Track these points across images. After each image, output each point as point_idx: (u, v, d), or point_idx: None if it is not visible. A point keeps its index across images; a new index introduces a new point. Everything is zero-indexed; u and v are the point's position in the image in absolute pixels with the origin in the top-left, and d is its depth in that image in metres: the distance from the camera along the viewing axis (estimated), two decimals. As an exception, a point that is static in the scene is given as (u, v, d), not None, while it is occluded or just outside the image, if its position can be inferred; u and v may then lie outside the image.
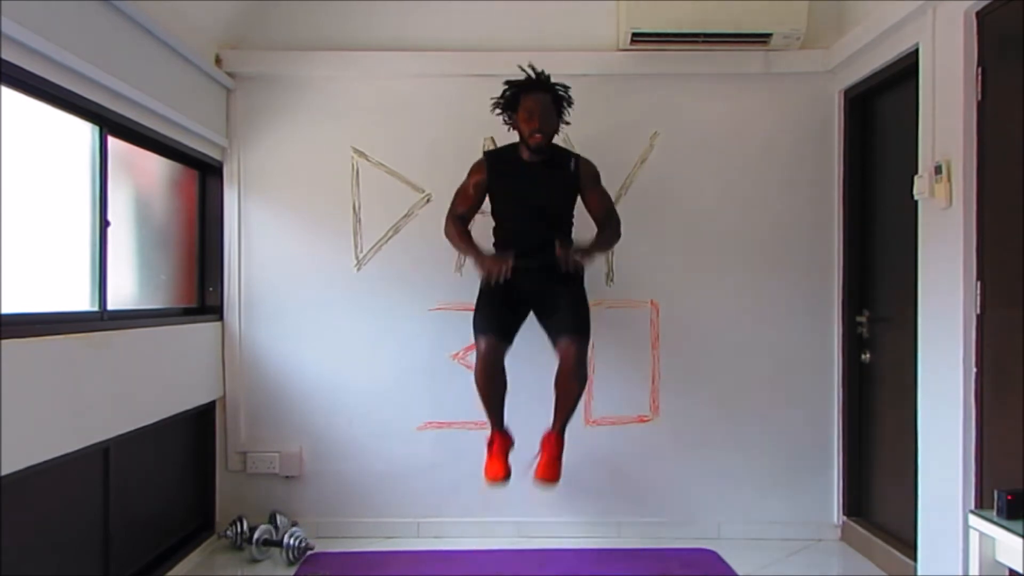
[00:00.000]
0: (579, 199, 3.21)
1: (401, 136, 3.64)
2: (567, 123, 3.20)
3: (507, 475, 3.06)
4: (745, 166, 3.64)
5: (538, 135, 3.02)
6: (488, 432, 3.16)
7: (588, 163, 3.19)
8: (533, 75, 3.09)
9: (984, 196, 2.55)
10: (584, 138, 3.56)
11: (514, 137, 3.18)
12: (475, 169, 3.19)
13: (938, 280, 2.74)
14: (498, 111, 3.16)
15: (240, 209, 3.63)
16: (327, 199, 3.64)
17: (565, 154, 3.18)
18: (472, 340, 3.49)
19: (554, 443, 3.06)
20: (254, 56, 3.59)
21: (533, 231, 3.10)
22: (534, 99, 3.04)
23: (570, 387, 3.02)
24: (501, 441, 3.12)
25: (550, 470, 3.03)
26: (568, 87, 3.15)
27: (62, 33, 2.30)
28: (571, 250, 2.99)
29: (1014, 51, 2.38)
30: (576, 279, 3.12)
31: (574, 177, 3.13)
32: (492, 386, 3.05)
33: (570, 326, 3.02)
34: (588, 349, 3.09)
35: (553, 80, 3.11)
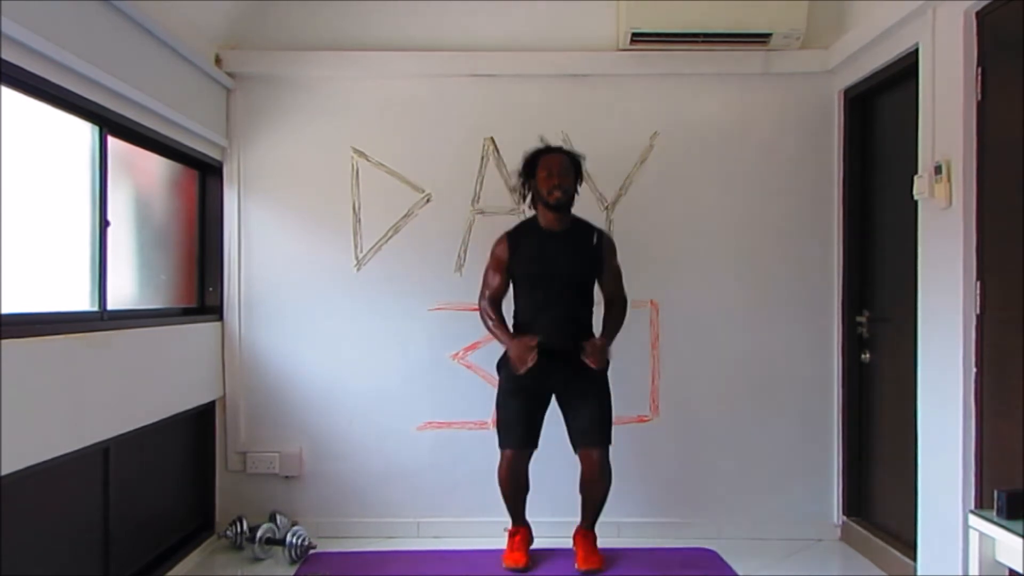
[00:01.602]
0: None
1: (401, 136, 3.64)
2: (578, 193, 3.19)
3: (527, 566, 3.17)
4: (745, 166, 3.64)
5: (557, 192, 3.05)
6: (509, 524, 3.28)
7: (610, 240, 3.24)
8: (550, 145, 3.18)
9: (984, 196, 2.55)
10: (584, 138, 3.56)
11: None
12: (496, 247, 3.19)
13: (938, 280, 2.74)
14: (519, 184, 3.21)
15: (240, 209, 3.63)
16: (327, 199, 3.64)
17: (587, 227, 3.20)
18: (470, 340, 3.52)
19: (588, 539, 3.21)
20: (254, 56, 3.59)
21: (557, 310, 3.08)
22: (552, 158, 3.11)
23: (596, 490, 3.15)
24: (523, 536, 3.26)
25: (590, 561, 3.15)
26: (583, 157, 3.20)
27: (62, 33, 2.30)
28: (599, 350, 3.02)
29: (1014, 51, 2.38)
30: (601, 369, 3.12)
31: (597, 249, 3.15)
32: (516, 490, 3.20)
33: (595, 437, 3.08)
34: (609, 451, 3.13)
35: (567, 148, 3.19)
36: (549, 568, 3.21)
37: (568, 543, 3.27)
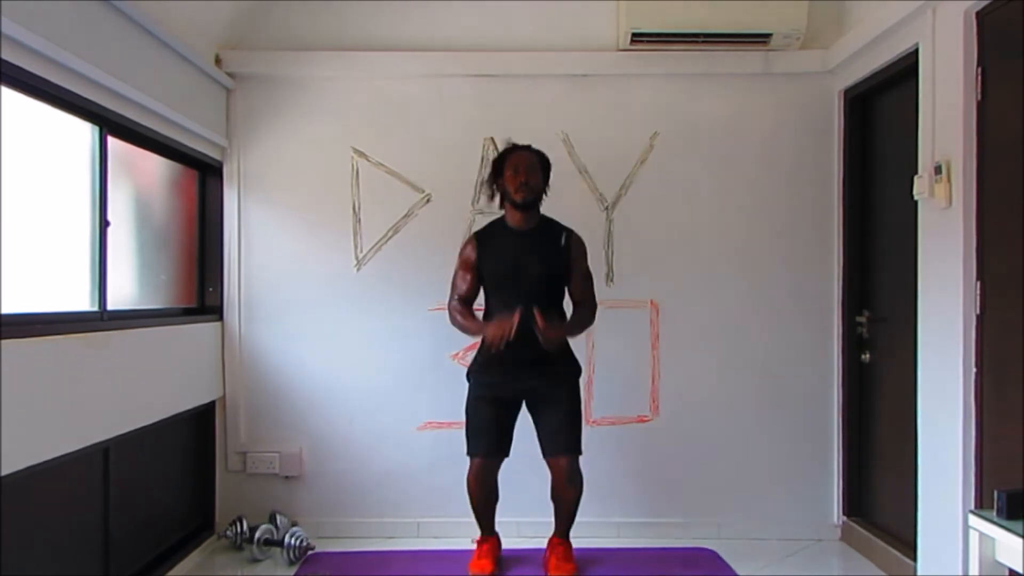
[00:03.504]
0: None
1: (401, 136, 3.64)
2: (547, 193, 3.11)
3: (493, 573, 3.14)
4: (745, 166, 3.64)
5: (523, 190, 2.98)
6: (478, 538, 3.24)
7: (579, 240, 3.12)
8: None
9: (984, 196, 2.55)
10: (584, 138, 3.56)
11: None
12: (464, 248, 3.13)
13: (938, 280, 2.74)
14: (488, 184, 3.14)
15: (240, 209, 3.63)
16: (327, 199, 3.64)
17: (557, 227, 3.11)
18: (470, 340, 3.51)
19: (561, 547, 3.17)
20: (254, 56, 3.59)
21: (525, 300, 2.92)
22: (518, 156, 3.04)
23: (566, 497, 3.12)
24: (491, 546, 3.23)
25: (562, 568, 3.11)
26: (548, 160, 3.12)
27: (62, 33, 2.30)
28: (553, 327, 2.90)
29: (1014, 51, 2.38)
30: (570, 372, 3.11)
31: (565, 250, 3.06)
32: (485, 498, 3.16)
33: (562, 445, 3.05)
34: (579, 460, 3.09)
35: (535, 148, 3.10)
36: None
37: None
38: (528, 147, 3.10)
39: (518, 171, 3.01)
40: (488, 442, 3.06)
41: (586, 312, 3.12)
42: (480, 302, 3.17)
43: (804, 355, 3.63)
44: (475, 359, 3.14)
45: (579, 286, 3.12)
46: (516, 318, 2.81)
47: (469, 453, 3.09)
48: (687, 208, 3.64)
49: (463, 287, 3.11)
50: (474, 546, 3.25)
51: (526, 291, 2.97)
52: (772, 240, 3.64)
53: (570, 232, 3.11)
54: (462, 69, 3.61)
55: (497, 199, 3.14)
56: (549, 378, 3.04)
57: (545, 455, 3.09)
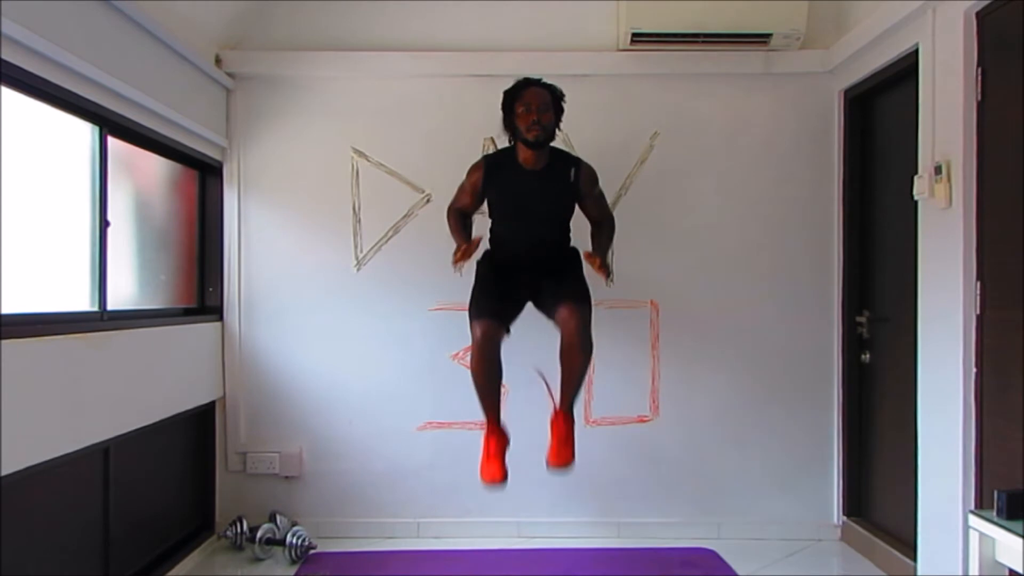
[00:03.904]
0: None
1: (401, 136, 3.64)
2: (560, 130, 3.07)
3: (504, 477, 2.95)
4: (745, 166, 3.64)
5: (536, 128, 2.87)
6: (483, 430, 3.06)
7: (589, 170, 3.07)
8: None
9: (984, 196, 2.55)
10: (584, 138, 3.56)
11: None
12: (472, 171, 3.09)
13: (938, 280, 2.74)
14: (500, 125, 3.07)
15: (240, 209, 3.63)
16: (327, 199, 3.64)
17: (565, 160, 3.06)
18: (470, 340, 3.51)
19: (563, 422, 2.96)
20: (254, 56, 3.59)
21: (531, 238, 3.05)
22: (531, 92, 2.94)
23: (575, 359, 2.87)
24: (498, 440, 3.01)
25: (563, 453, 2.93)
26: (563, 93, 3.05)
27: (62, 33, 2.30)
28: (599, 267, 2.86)
29: (1014, 51, 2.38)
30: (572, 264, 3.06)
31: (575, 184, 3.03)
32: (489, 374, 2.91)
33: (569, 293, 2.90)
34: (591, 317, 2.89)
35: (547, 82, 3.02)
36: (549, 568, 3.20)
37: (561, 543, 3.25)
38: (540, 81, 3.00)
39: (530, 109, 2.90)
40: (493, 306, 2.91)
41: (607, 228, 3.15)
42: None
43: (804, 355, 3.63)
44: (481, 259, 3.10)
45: (595, 209, 3.14)
46: (474, 246, 2.88)
47: (472, 320, 2.92)
48: (687, 208, 3.64)
49: (464, 202, 3.12)
50: (482, 439, 3.05)
51: (532, 226, 3.01)
52: (772, 240, 3.64)
53: (579, 163, 3.06)
54: (462, 69, 3.61)
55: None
56: (554, 270, 3.02)
57: (554, 313, 2.90)
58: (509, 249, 3.09)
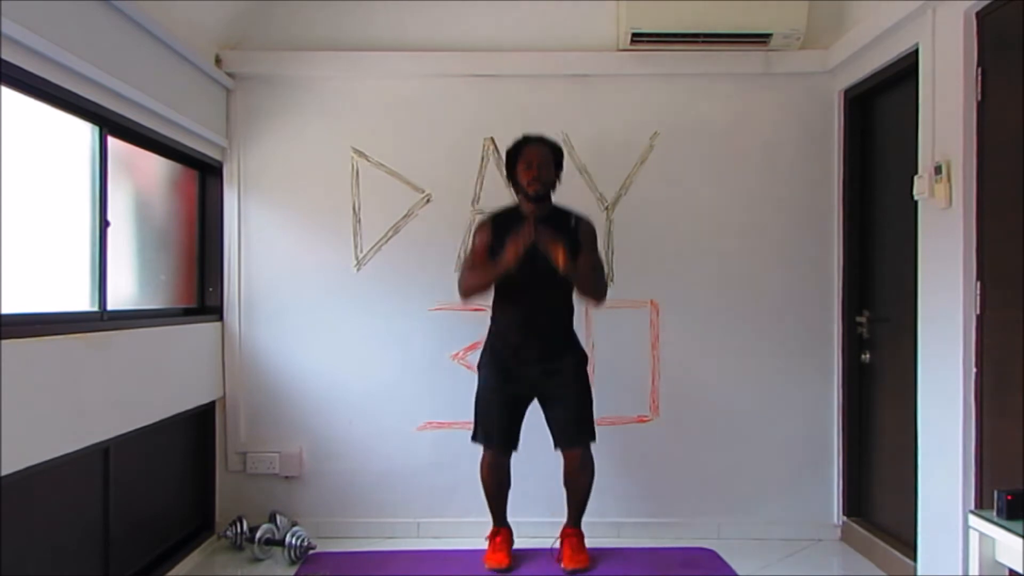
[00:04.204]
0: None
1: (401, 136, 3.64)
2: (559, 182, 3.19)
3: (510, 566, 3.18)
4: (745, 166, 3.64)
5: (536, 184, 3.05)
6: (490, 527, 3.29)
7: (588, 224, 3.20)
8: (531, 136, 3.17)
9: (984, 196, 2.54)
10: (584, 138, 3.56)
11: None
12: (479, 231, 3.21)
13: (938, 280, 2.74)
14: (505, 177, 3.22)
15: (240, 209, 3.63)
16: (327, 199, 3.64)
17: (565, 213, 3.18)
18: (470, 340, 3.52)
19: (574, 537, 3.23)
20: (254, 56, 3.59)
21: (534, 293, 3.08)
22: (531, 149, 3.11)
23: (578, 484, 3.19)
24: (504, 536, 3.27)
25: (577, 559, 3.17)
26: (562, 150, 3.21)
27: (62, 33, 2.30)
28: (570, 259, 2.95)
29: (1014, 51, 2.38)
30: (578, 363, 3.16)
31: (574, 232, 3.12)
32: (497, 487, 3.24)
33: (574, 437, 3.12)
34: (591, 449, 3.17)
35: (548, 139, 3.17)
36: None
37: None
38: (541, 138, 3.16)
39: (531, 165, 3.08)
40: (499, 437, 3.14)
41: (598, 277, 3.17)
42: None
43: (804, 355, 3.63)
44: (483, 353, 3.21)
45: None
46: (529, 230, 2.93)
47: (479, 442, 3.17)
48: (687, 208, 3.64)
49: (477, 261, 3.16)
50: (486, 544, 3.28)
51: (537, 281, 3.04)
52: (772, 240, 3.64)
53: (579, 217, 3.20)
54: (462, 69, 3.61)
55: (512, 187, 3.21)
56: (557, 371, 3.10)
57: (558, 446, 3.15)
58: (510, 316, 3.13)
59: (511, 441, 3.15)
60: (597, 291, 3.17)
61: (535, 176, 3.06)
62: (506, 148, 3.19)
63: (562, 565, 3.15)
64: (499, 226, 3.13)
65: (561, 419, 3.12)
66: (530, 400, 3.18)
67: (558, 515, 3.30)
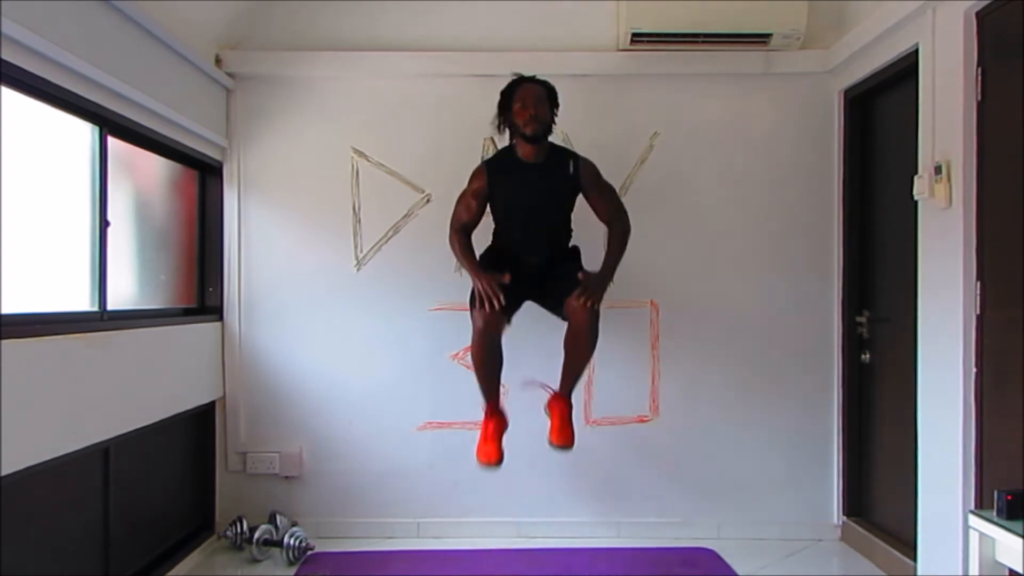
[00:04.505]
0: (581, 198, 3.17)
1: (401, 136, 3.64)
2: (555, 123, 3.10)
3: (500, 459, 3.01)
4: (745, 166, 3.64)
5: (532, 123, 2.95)
6: (483, 413, 3.09)
7: (588, 164, 3.11)
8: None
9: (984, 196, 2.55)
10: (584, 138, 3.56)
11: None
12: (474, 177, 3.12)
13: (938, 280, 2.74)
14: (497, 119, 3.11)
15: (240, 209, 3.63)
16: (327, 199, 3.64)
17: (564, 155, 3.11)
18: (470, 340, 3.50)
19: (563, 405, 3.03)
20: (254, 56, 3.59)
21: (532, 230, 3.07)
22: (525, 89, 3.03)
23: (581, 347, 2.92)
24: (496, 422, 3.06)
25: (564, 434, 3.00)
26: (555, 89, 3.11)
27: (62, 33, 2.30)
28: (593, 283, 2.85)
29: (1014, 51, 2.38)
30: (575, 263, 3.08)
31: (574, 179, 3.07)
32: (490, 362, 2.97)
33: (583, 293, 2.84)
34: (600, 310, 2.90)
35: (540, 78, 3.09)
36: (549, 568, 3.20)
37: (560, 543, 3.26)
38: (534, 78, 3.08)
39: (526, 104, 2.98)
40: (499, 292, 2.86)
41: (617, 236, 3.07)
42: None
43: (804, 355, 3.63)
44: (482, 257, 3.09)
45: (602, 204, 3.11)
46: (503, 286, 2.82)
47: (473, 308, 2.92)
48: (687, 208, 3.64)
49: (467, 216, 3.10)
50: (481, 423, 3.10)
51: (534, 223, 3.02)
52: (772, 240, 3.64)
53: (577, 157, 3.11)
54: (462, 69, 3.61)
55: (507, 131, 3.11)
56: (559, 267, 3.02)
57: (562, 305, 2.90)
58: (511, 244, 3.10)
59: (507, 308, 2.88)
60: (626, 240, 3.08)
61: (532, 115, 2.95)
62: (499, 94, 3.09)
63: (549, 439, 3.01)
64: (495, 172, 3.07)
65: (566, 282, 2.89)
66: (527, 293, 3.02)
67: (561, 516, 3.31)
